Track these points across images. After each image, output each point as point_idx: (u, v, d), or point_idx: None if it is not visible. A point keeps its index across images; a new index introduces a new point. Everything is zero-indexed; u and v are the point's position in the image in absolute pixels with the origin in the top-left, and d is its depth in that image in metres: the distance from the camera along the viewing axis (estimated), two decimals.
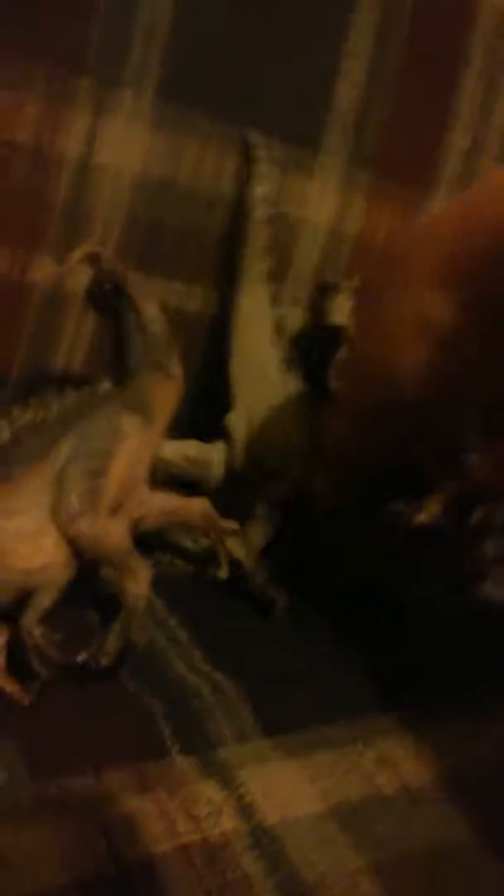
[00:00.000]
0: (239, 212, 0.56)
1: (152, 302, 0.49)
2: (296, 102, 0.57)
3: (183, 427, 0.54)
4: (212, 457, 0.52)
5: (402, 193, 0.63)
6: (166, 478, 0.51)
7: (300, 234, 0.60)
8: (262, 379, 0.52)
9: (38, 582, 0.37)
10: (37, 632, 0.36)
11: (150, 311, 0.49)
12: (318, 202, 0.60)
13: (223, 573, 0.45)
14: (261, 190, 0.55)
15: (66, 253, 0.51)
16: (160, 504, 0.44)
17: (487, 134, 0.66)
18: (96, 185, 0.52)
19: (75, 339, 0.54)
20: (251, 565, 0.46)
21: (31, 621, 0.36)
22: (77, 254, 0.48)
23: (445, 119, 0.64)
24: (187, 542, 0.49)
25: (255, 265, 0.54)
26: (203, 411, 0.59)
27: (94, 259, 0.48)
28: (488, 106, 0.65)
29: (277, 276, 0.54)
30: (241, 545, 0.47)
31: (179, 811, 0.32)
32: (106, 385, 0.48)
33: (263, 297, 0.53)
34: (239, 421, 0.53)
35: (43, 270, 0.51)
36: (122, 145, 0.52)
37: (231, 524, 0.45)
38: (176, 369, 0.48)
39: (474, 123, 0.65)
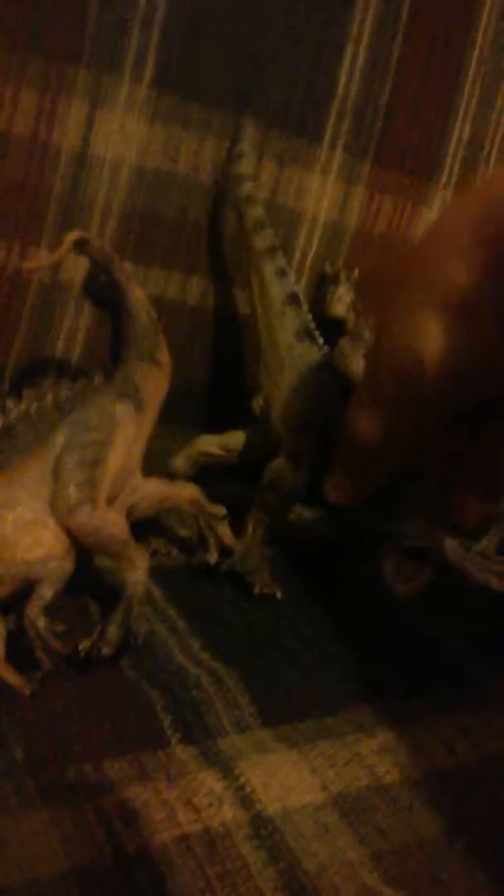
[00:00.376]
0: (225, 193, 0.56)
1: (139, 288, 0.49)
2: (295, 92, 0.57)
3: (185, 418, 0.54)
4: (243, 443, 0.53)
5: (403, 183, 0.63)
6: (200, 469, 0.52)
7: (299, 226, 0.60)
8: (282, 355, 0.51)
9: (38, 573, 0.37)
10: (41, 623, 0.36)
11: (138, 296, 0.49)
12: (318, 193, 0.60)
13: (211, 558, 0.45)
14: (239, 167, 0.55)
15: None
16: (151, 491, 0.44)
17: (490, 123, 0.65)
18: (93, 177, 0.52)
19: (72, 330, 0.54)
20: (242, 550, 0.46)
21: (34, 612, 0.36)
22: (65, 243, 0.48)
23: (447, 108, 0.63)
24: (182, 531, 0.49)
25: (254, 243, 0.53)
26: (205, 400, 0.59)
27: (81, 244, 0.48)
28: (491, 94, 0.65)
29: (278, 249, 0.53)
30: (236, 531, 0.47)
31: (179, 801, 0.32)
32: (100, 378, 0.48)
33: (270, 273, 0.53)
34: (263, 401, 0.53)
35: (32, 260, 0.50)
36: (118, 137, 0.52)
37: (219, 509, 0.46)
38: (163, 357, 0.48)
39: (477, 112, 0.65)
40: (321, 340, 0.52)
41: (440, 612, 0.46)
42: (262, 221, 0.54)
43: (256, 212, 0.54)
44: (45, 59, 0.49)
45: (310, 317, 0.52)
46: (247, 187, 0.55)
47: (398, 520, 0.43)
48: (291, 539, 0.49)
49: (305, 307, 0.52)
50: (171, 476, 0.52)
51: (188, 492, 0.45)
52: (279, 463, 0.48)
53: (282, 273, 0.53)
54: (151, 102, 0.52)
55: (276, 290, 0.52)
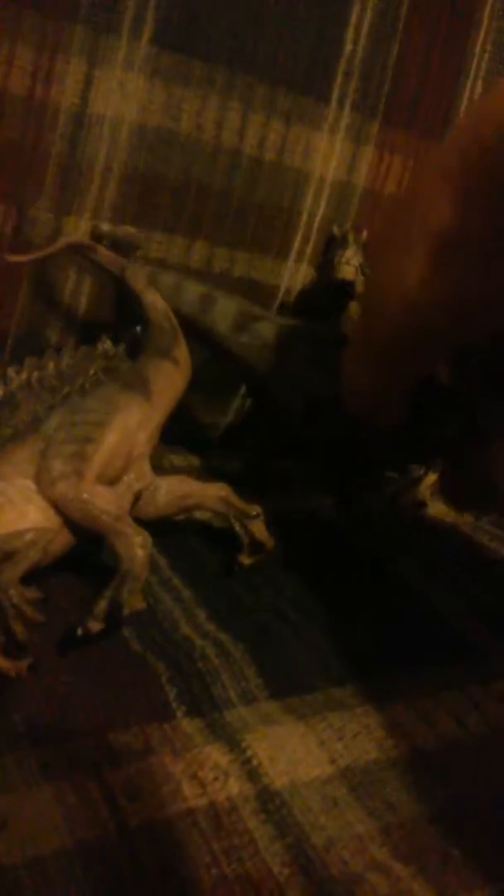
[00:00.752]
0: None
1: (152, 290, 0.48)
2: (301, 50, 0.55)
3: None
4: None
5: (412, 143, 0.61)
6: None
7: (307, 187, 0.58)
8: (238, 356, 0.48)
9: (15, 545, 0.36)
10: (13, 591, 0.35)
11: (151, 298, 0.48)
12: (326, 153, 0.58)
13: (245, 560, 0.43)
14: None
15: (61, 207, 0.50)
16: (173, 486, 0.43)
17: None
18: (92, 137, 0.50)
19: (75, 297, 0.53)
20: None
21: (8, 581, 0.35)
22: (59, 243, 0.47)
23: (458, 65, 0.61)
24: (217, 524, 0.47)
25: (136, 286, 0.48)
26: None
27: (88, 252, 0.47)
28: (502, 51, 0.63)
29: (160, 267, 0.50)
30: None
31: (185, 775, 0.31)
32: (107, 344, 0.47)
33: (167, 294, 0.48)
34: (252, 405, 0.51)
35: (19, 255, 0.49)
36: (118, 95, 0.50)
37: (252, 508, 0.44)
38: (181, 355, 0.47)
39: (488, 69, 0.63)
40: (258, 310, 0.48)
41: (449, 585, 0.45)
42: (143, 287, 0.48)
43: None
44: (42, 16, 0.47)
45: (234, 302, 0.48)
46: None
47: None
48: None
49: (224, 294, 0.48)
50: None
51: (215, 489, 0.44)
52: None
53: (178, 287, 0.48)
54: (151, 60, 0.51)
55: (184, 306, 0.48)
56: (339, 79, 0.58)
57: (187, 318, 0.48)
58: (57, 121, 0.49)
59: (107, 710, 0.33)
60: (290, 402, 0.46)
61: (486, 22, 0.61)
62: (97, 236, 0.50)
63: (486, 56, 0.62)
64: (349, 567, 0.46)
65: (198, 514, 0.47)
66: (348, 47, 0.57)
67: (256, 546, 0.43)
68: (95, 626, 0.35)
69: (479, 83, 0.63)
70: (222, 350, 0.48)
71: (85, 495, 0.38)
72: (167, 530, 0.44)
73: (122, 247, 0.50)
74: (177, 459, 0.54)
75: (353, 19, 0.57)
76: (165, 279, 0.48)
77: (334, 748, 0.34)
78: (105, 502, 0.38)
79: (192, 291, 0.48)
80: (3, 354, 0.50)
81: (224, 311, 0.48)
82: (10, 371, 0.41)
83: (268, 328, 0.47)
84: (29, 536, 0.36)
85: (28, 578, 0.36)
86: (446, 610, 0.44)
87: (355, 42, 0.57)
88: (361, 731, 0.35)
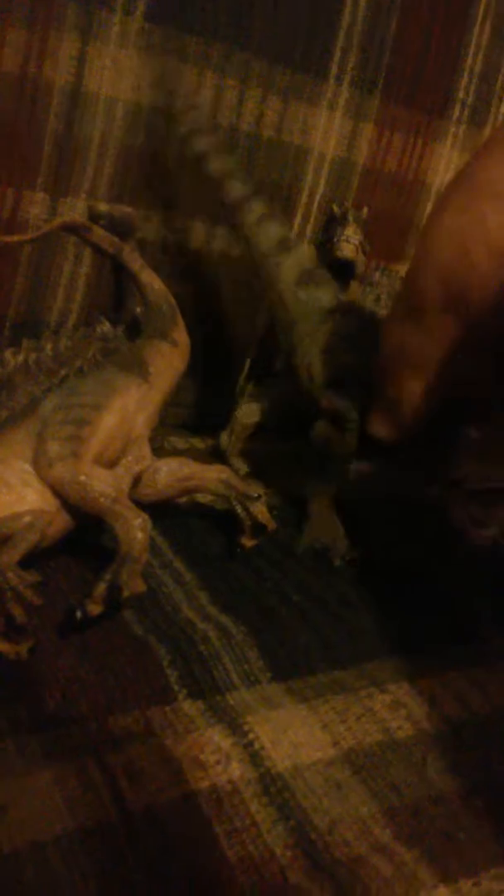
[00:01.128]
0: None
1: (150, 272, 0.48)
2: (298, 25, 0.54)
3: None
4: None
5: (412, 119, 0.61)
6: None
7: (306, 164, 0.58)
8: (289, 308, 0.48)
9: (12, 528, 0.36)
10: (10, 573, 0.35)
11: (148, 279, 0.48)
12: (325, 130, 0.58)
13: (248, 542, 0.43)
14: (186, 115, 0.51)
15: (57, 187, 0.49)
16: (173, 468, 0.42)
17: None
18: (88, 115, 0.50)
19: (73, 279, 0.52)
20: (313, 526, 0.45)
21: (5, 564, 0.35)
22: (53, 223, 0.46)
23: (458, 39, 0.60)
24: (220, 506, 0.46)
25: (226, 194, 0.50)
26: (213, 348, 0.57)
27: (82, 231, 0.47)
28: None
29: (255, 195, 0.50)
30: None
31: (186, 758, 0.31)
32: (105, 326, 0.46)
33: (251, 223, 0.49)
34: (285, 359, 0.50)
35: (13, 236, 0.48)
36: (112, 72, 0.50)
37: (254, 489, 0.43)
38: (180, 336, 0.47)
39: (490, 43, 0.62)
40: (328, 276, 0.49)
41: (452, 567, 0.45)
42: (228, 172, 0.50)
43: (219, 164, 0.50)
44: None
45: (308, 258, 0.49)
46: (200, 141, 0.50)
47: (458, 466, 0.41)
48: (357, 498, 0.47)
49: (304, 247, 0.49)
50: (222, 453, 0.52)
51: (216, 472, 0.43)
52: (321, 427, 0.45)
53: (265, 218, 0.49)
54: (145, 36, 0.50)
55: (263, 240, 0.49)
56: (338, 54, 0.57)
57: (261, 253, 0.49)
58: (51, 99, 0.48)
59: (108, 694, 0.33)
60: (319, 368, 0.46)
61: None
62: (94, 216, 0.49)
63: (488, 30, 0.61)
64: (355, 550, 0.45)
65: (199, 497, 0.46)
66: (346, 21, 0.56)
67: (258, 528, 0.42)
68: (95, 609, 0.35)
69: (481, 57, 0.62)
70: (277, 297, 0.49)
71: (82, 477, 0.37)
72: (169, 513, 0.44)
73: (120, 227, 0.50)
74: (178, 441, 0.54)
75: None
76: (257, 206, 0.49)
77: (337, 730, 0.33)
78: (103, 484, 0.38)
79: (276, 230, 0.49)
80: (1, 337, 0.50)
81: (295, 262, 0.48)
82: (7, 354, 0.41)
83: (326, 295, 0.48)
84: (26, 519, 0.36)
85: (27, 562, 0.36)
86: (452, 592, 0.43)
87: (353, 16, 0.56)
88: (364, 713, 0.34)
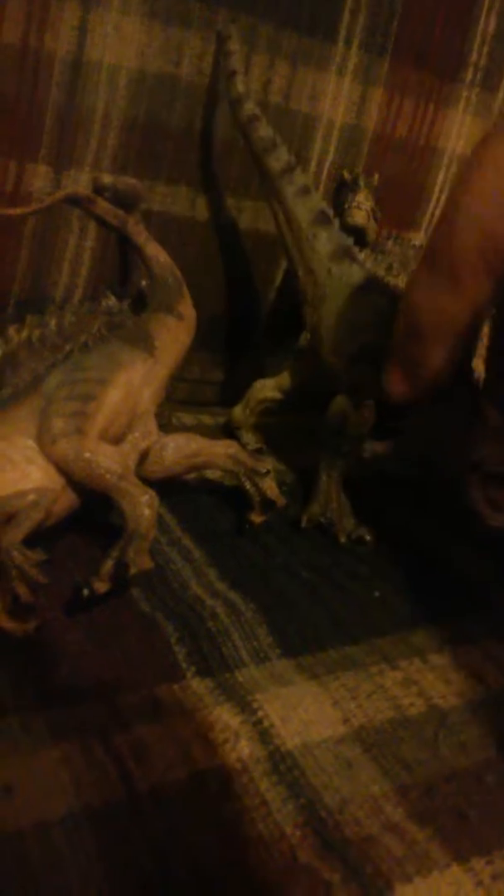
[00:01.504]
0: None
1: (156, 244, 0.47)
2: None
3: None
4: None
5: (424, 82, 0.59)
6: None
7: (315, 132, 0.56)
8: (321, 282, 0.48)
9: (16, 506, 0.35)
10: (16, 553, 0.34)
11: (153, 251, 0.47)
12: (334, 95, 0.56)
13: (257, 518, 0.42)
14: (234, 88, 0.50)
15: (60, 160, 0.48)
16: (178, 446, 0.42)
17: None
18: (90, 85, 0.49)
19: (78, 253, 0.51)
20: (321, 500, 0.44)
21: (10, 542, 0.34)
22: (56, 196, 0.45)
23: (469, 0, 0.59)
24: (229, 482, 0.46)
25: (267, 166, 0.50)
26: (221, 324, 0.57)
27: (86, 203, 0.46)
28: None
29: (295, 166, 0.49)
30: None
31: (194, 736, 0.30)
32: (111, 300, 0.46)
33: (291, 194, 0.49)
34: (309, 333, 0.50)
35: (15, 208, 0.47)
36: (114, 40, 0.48)
37: (263, 464, 0.43)
38: (186, 310, 0.46)
39: (501, 4, 0.60)
40: (361, 256, 0.48)
41: (465, 541, 0.44)
42: (271, 141, 0.49)
43: (263, 132, 0.50)
44: None
45: (343, 233, 0.49)
46: (247, 109, 0.50)
47: (476, 447, 0.41)
48: (366, 475, 0.46)
49: (337, 223, 0.49)
50: (235, 427, 0.51)
51: (224, 447, 0.43)
52: (339, 402, 0.44)
53: (304, 191, 0.49)
54: (148, 1, 0.49)
55: (301, 212, 0.49)
56: (346, 17, 0.55)
57: (298, 225, 0.49)
58: (52, 70, 0.47)
59: (115, 672, 0.33)
60: (343, 342, 0.46)
61: None
62: (98, 188, 0.49)
63: None
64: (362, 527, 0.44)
65: (208, 474, 0.46)
66: None
67: (267, 504, 0.42)
68: (101, 586, 0.35)
69: (493, 18, 0.60)
70: (308, 270, 0.49)
71: (87, 454, 0.37)
72: (177, 490, 0.44)
73: (125, 199, 0.49)
74: (185, 417, 0.53)
75: None
76: (299, 178, 0.49)
77: (348, 707, 0.33)
78: (108, 460, 0.37)
79: (316, 202, 0.49)
80: (5, 314, 0.49)
81: (332, 236, 0.48)
82: (11, 330, 0.41)
83: (357, 273, 0.47)
84: (31, 497, 0.35)
85: (32, 540, 0.36)
86: (463, 566, 0.43)
87: None
88: (376, 690, 0.34)
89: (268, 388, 0.51)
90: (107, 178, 0.49)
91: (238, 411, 0.52)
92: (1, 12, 0.46)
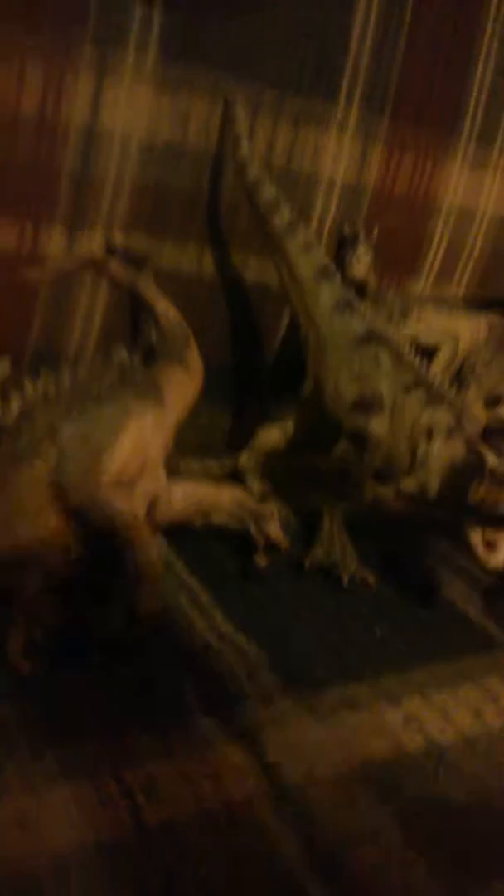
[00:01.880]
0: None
1: (165, 300, 0.50)
2: (308, 52, 0.55)
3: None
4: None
5: (422, 138, 0.61)
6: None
7: (317, 191, 0.59)
8: (323, 333, 0.51)
9: (35, 556, 0.37)
10: (31, 598, 0.36)
11: (163, 307, 0.49)
12: (335, 153, 0.58)
13: (261, 561, 0.44)
14: (243, 150, 0.53)
15: (74, 222, 0.51)
16: (186, 493, 0.43)
17: None
18: (103, 152, 0.51)
19: (90, 311, 0.53)
20: (324, 543, 0.46)
21: (27, 588, 0.36)
22: (76, 259, 0.48)
23: (467, 54, 0.61)
24: (235, 526, 0.47)
25: (271, 224, 0.52)
26: (226, 375, 0.58)
27: (99, 265, 0.48)
28: None
29: (299, 223, 0.52)
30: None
31: (202, 774, 0.32)
32: (122, 353, 0.48)
33: (294, 250, 0.52)
34: (312, 382, 0.52)
35: (36, 271, 0.50)
36: (127, 109, 0.51)
37: (268, 508, 0.44)
38: (194, 361, 0.48)
39: (498, 56, 0.62)
40: (362, 307, 0.51)
41: (464, 580, 0.45)
42: (275, 201, 0.52)
43: (267, 193, 0.52)
44: (50, 35, 0.48)
45: (344, 286, 0.51)
46: (251, 172, 0.53)
47: (475, 490, 0.42)
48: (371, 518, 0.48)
49: (339, 276, 0.51)
50: (241, 472, 0.53)
51: (229, 492, 0.45)
52: (342, 447, 0.46)
53: (307, 247, 0.52)
54: (158, 71, 0.51)
55: (305, 267, 0.51)
56: (347, 75, 0.58)
57: (302, 280, 0.52)
58: (68, 137, 0.50)
59: (124, 711, 0.34)
60: (343, 391, 0.49)
61: (494, 4, 0.61)
62: (110, 249, 0.51)
63: (496, 48, 0.62)
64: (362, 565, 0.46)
65: (214, 518, 0.47)
66: (354, 43, 0.57)
67: (272, 547, 0.44)
68: (112, 629, 0.36)
69: (489, 76, 0.62)
70: (311, 322, 0.51)
71: (101, 503, 0.38)
72: (185, 533, 0.45)
73: (135, 259, 0.51)
74: (192, 463, 0.55)
75: (359, 15, 0.56)
76: (301, 234, 0.52)
77: (350, 744, 0.34)
78: (120, 509, 0.39)
79: (319, 257, 0.52)
80: (21, 368, 0.51)
81: (334, 290, 0.51)
82: (27, 384, 0.43)
83: (358, 324, 0.50)
84: (49, 548, 0.37)
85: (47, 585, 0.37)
86: (464, 604, 0.44)
87: (362, 37, 0.57)
88: (377, 727, 0.35)
89: (272, 435, 0.53)
90: (118, 240, 0.51)
91: (244, 457, 0.53)
92: (20, 83, 0.49)
